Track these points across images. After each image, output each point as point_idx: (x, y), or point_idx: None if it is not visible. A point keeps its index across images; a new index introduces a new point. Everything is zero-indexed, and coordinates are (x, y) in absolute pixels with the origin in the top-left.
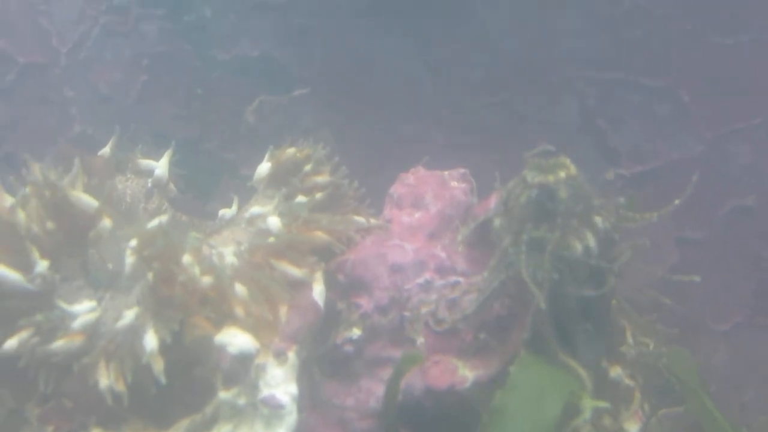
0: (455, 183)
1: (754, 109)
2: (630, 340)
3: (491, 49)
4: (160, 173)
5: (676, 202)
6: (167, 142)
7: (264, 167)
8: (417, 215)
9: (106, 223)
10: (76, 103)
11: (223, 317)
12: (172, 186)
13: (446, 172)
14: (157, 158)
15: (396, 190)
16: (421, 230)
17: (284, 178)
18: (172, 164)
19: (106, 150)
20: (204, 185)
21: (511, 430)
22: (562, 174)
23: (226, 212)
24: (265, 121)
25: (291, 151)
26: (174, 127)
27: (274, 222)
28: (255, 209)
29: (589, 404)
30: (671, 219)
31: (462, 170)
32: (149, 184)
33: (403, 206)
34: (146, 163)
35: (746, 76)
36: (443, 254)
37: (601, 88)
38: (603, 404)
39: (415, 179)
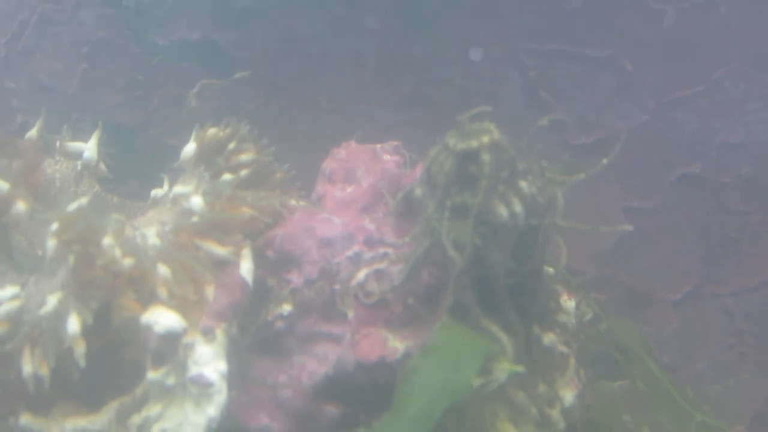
0: (388, 156)
1: (697, 76)
2: (568, 307)
3: (432, 26)
4: (89, 155)
5: (604, 161)
6: (110, 130)
7: (189, 148)
8: (349, 190)
9: (20, 206)
10: (17, 95)
11: (150, 298)
12: (102, 167)
13: (378, 146)
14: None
15: (328, 165)
16: (354, 204)
17: (209, 158)
18: (111, 149)
19: (32, 133)
20: (148, 171)
21: (424, 390)
22: (485, 139)
23: (157, 192)
24: (207, 104)
25: (213, 130)
26: (116, 115)
27: (197, 201)
28: (178, 189)
29: (503, 368)
30: (618, 188)
31: (394, 143)
32: (78, 167)
33: (335, 181)
34: (75, 145)
35: (688, 43)
36: (372, 226)
37: (543, 61)
38: (518, 368)
39: (346, 154)
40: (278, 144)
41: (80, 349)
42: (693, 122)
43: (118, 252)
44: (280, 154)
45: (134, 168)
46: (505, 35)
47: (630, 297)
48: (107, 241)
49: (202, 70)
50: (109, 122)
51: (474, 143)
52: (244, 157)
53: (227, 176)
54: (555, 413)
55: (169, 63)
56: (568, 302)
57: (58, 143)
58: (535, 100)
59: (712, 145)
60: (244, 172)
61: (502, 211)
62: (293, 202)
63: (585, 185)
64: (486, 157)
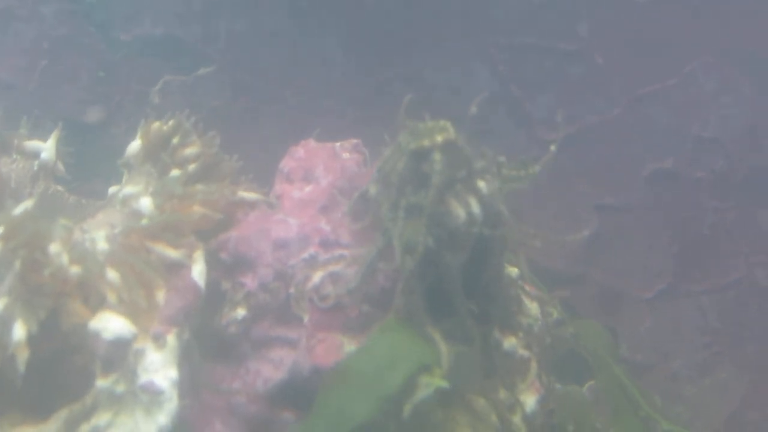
0: (347, 154)
1: (669, 69)
2: (531, 309)
3: (400, 20)
4: (46, 156)
5: (552, 147)
6: (72, 127)
7: (134, 145)
8: (308, 189)
9: None
10: None
11: (100, 303)
12: (60, 167)
13: (338, 144)
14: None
15: (286, 164)
16: (313, 204)
17: (155, 154)
18: (71, 147)
19: None
20: (111, 169)
21: (348, 392)
22: (439, 138)
23: (114, 189)
24: (171, 101)
25: (157, 125)
26: (78, 112)
27: (146, 203)
28: (128, 189)
29: (426, 381)
30: (589, 185)
31: (354, 141)
32: (35, 167)
33: (293, 180)
34: (32, 144)
35: (659, 36)
36: (328, 227)
37: (512, 54)
38: (441, 383)
39: (305, 152)
40: (243, 141)
41: (22, 356)
42: (665, 116)
43: (65, 259)
44: (245, 151)
45: (97, 166)
46: (474, 29)
47: (603, 295)
48: (54, 248)
49: (165, 66)
50: (71, 119)
51: (426, 142)
52: (190, 150)
53: (175, 172)
54: (516, 419)
55: (132, 59)
56: (532, 304)
57: (15, 141)
58: (506, 94)
59: (685, 139)
60: (191, 167)
61: (459, 211)
62: (244, 194)
63: (556, 182)
64: (438, 156)
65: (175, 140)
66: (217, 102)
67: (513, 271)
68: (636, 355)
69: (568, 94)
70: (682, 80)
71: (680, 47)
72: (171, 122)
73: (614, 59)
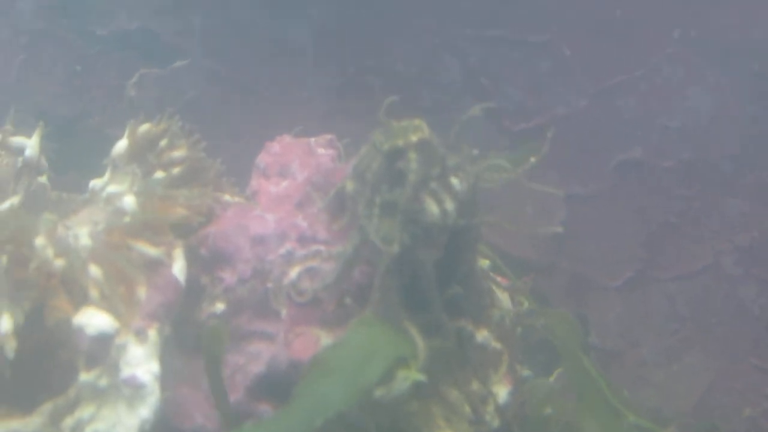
0: (322, 150)
1: (635, 60)
2: (503, 301)
3: (371, 12)
4: (31, 153)
5: (533, 159)
6: (50, 121)
7: (121, 144)
8: (284, 184)
9: None
10: None
11: (83, 299)
12: (44, 163)
13: (312, 139)
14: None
15: (262, 159)
16: (289, 200)
17: (142, 155)
18: (53, 142)
19: None
20: (87, 162)
21: (326, 382)
22: (413, 138)
23: (96, 183)
24: (147, 94)
25: (146, 126)
26: (55, 106)
27: (129, 201)
28: (111, 188)
29: (403, 374)
30: (558, 175)
31: (329, 136)
32: (19, 164)
33: (270, 176)
34: (18, 140)
35: (626, 27)
36: (304, 223)
37: (482, 47)
38: (418, 377)
39: (280, 147)
40: (218, 133)
41: (10, 345)
42: (633, 107)
43: (50, 252)
44: (220, 143)
45: (73, 159)
46: (443, 22)
47: (572, 284)
48: (39, 241)
49: (141, 59)
50: (48, 113)
51: (401, 142)
52: (176, 153)
53: (159, 174)
54: (489, 410)
55: (108, 53)
56: (503, 296)
57: (0, 137)
58: (476, 86)
59: (652, 129)
60: (176, 170)
61: (433, 208)
62: (227, 198)
63: (524, 172)
64: (413, 155)
65: (163, 142)
66: (192, 94)
67: (485, 263)
68: (605, 342)
69: (536, 85)
70: (649, 71)
71: (646, 38)
72: (161, 125)
73: (582, 51)
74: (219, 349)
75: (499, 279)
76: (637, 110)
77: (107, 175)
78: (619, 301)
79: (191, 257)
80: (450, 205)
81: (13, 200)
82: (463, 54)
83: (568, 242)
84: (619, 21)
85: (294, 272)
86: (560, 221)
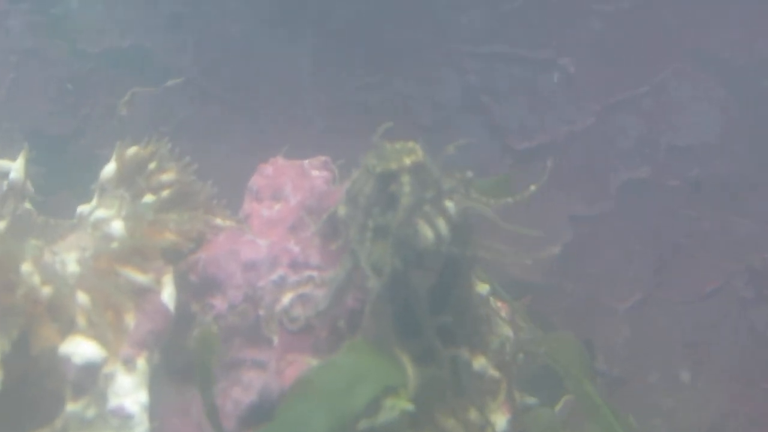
0: (316, 172)
1: (640, 77)
2: (503, 327)
3: (368, 29)
4: (16, 177)
5: (532, 188)
6: (40, 140)
7: (109, 168)
8: (277, 208)
9: None
10: None
11: (70, 326)
12: (29, 187)
13: (306, 161)
14: (24, 164)
15: (255, 182)
16: (282, 223)
17: (130, 178)
18: (41, 165)
19: None
20: (79, 182)
21: (309, 404)
22: (407, 161)
23: (84, 208)
24: (139, 113)
25: (134, 149)
26: (46, 125)
27: (117, 227)
28: (99, 213)
29: (390, 403)
30: (563, 195)
31: (323, 158)
32: (4, 187)
33: (262, 199)
34: (2, 163)
35: (630, 44)
36: (297, 248)
37: (483, 63)
38: (406, 405)
39: (273, 170)
40: (213, 153)
41: None
42: (638, 125)
43: (36, 279)
44: (214, 163)
45: (65, 178)
46: (442, 38)
47: (578, 306)
48: (26, 267)
49: (134, 77)
50: (40, 132)
51: (394, 165)
52: (166, 177)
53: (149, 198)
54: None
55: (100, 71)
56: (503, 322)
57: None
58: (476, 104)
59: (658, 148)
60: (165, 193)
61: (427, 233)
62: (219, 221)
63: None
64: (406, 179)
65: (152, 165)
66: (185, 113)
67: (484, 287)
68: (613, 368)
69: (540, 103)
70: (654, 88)
71: (652, 55)
72: (149, 147)
73: (586, 67)
74: (209, 355)
75: (499, 304)
76: (643, 128)
77: (95, 200)
78: (627, 324)
79: (181, 283)
80: (444, 229)
81: (0, 225)
82: (462, 70)
83: (574, 263)
84: (623, 37)
85: (286, 298)
86: (564, 242)
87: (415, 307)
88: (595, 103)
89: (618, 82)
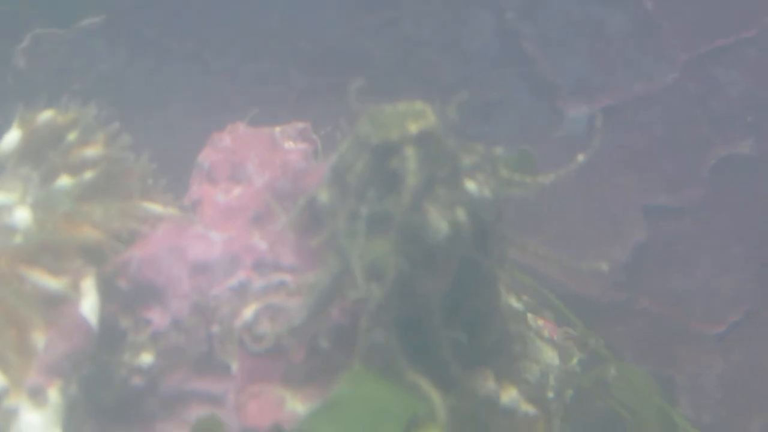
0: (290, 143)
1: (744, 15)
2: (545, 352)
3: None
4: None
5: (580, 158)
6: None
7: (11, 137)
8: (236, 192)
9: None
10: None
11: None
12: None
13: (277, 129)
14: None
15: (207, 157)
16: (243, 212)
17: (41, 152)
18: None
19: None
20: None
21: None
22: (413, 128)
23: None
24: (42, 64)
25: (48, 114)
26: None
27: (23, 216)
28: None
29: None
30: (635, 178)
31: (300, 125)
32: None
33: (217, 180)
34: None
35: None
36: (264, 245)
37: None
38: None
39: (232, 141)
40: (147, 120)
41: None
42: (740, 82)
43: None
44: (148, 134)
45: None
46: None
47: (654, 330)
48: None
49: (36, 16)
50: None
51: (394, 134)
52: (90, 151)
53: (66, 180)
54: None
55: None
56: (544, 345)
57: None
58: (514, 54)
59: (767, 113)
60: (88, 174)
61: (441, 223)
62: (158, 209)
63: (588, 173)
64: (411, 151)
65: (72, 136)
66: (107, 65)
67: (514, 302)
68: (701, 414)
69: (604, 52)
70: (763, 31)
71: None
72: (70, 114)
73: (669, 4)
74: None
75: (541, 322)
76: (747, 86)
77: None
78: (721, 355)
79: (107, 291)
80: (463, 218)
81: None
82: (498, 7)
83: (650, 272)
84: None
85: (249, 311)
86: (637, 243)
87: (425, 322)
88: (680, 52)
89: (713, 24)
